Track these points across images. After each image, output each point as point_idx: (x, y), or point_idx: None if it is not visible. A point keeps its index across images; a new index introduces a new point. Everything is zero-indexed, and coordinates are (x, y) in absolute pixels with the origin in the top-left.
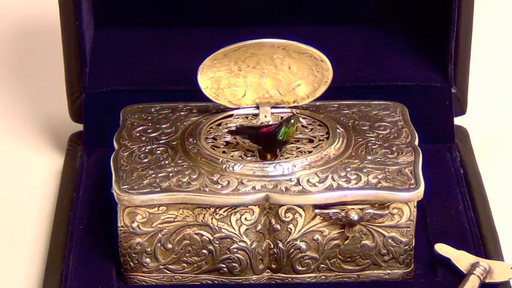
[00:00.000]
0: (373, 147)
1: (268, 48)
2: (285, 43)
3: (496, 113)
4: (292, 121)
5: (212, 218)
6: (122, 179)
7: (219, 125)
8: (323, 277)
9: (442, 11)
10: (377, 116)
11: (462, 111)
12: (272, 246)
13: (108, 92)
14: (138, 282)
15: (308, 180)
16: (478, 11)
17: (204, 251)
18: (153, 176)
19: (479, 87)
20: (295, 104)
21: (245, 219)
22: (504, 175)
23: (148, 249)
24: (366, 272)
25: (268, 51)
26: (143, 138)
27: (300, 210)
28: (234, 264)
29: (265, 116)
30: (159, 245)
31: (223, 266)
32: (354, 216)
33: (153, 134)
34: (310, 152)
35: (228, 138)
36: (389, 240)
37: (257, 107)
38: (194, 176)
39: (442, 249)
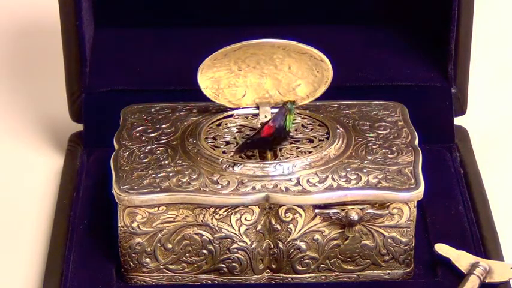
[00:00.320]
0: (373, 147)
1: (268, 48)
2: (285, 43)
3: (496, 113)
4: (289, 106)
5: (212, 218)
6: (122, 179)
7: (219, 125)
8: (323, 277)
9: (442, 11)
10: (377, 116)
11: (462, 111)
12: (272, 246)
13: (108, 92)
14: (138, 282)
15: (308, 180)
16: (478, 11)
17: (204, 251)
18: (153, 176)
19: (479, 87)
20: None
21: (245, 219)
22: (504, 175)
23: (148, 249)
24: (366, 272)
25: (268, 51)
26: (143, 138)
27: (300, 210)
28: (234, 264)
29: (265, 116)
30: (159, 245)
31: (223, 266)
32: (354, 216)
33: (153, 134)
34: (310, 152)
35: (228, 138)
36: (389, 240)
37: (257, 107)
38: (194, 176)
39: (442, 249)
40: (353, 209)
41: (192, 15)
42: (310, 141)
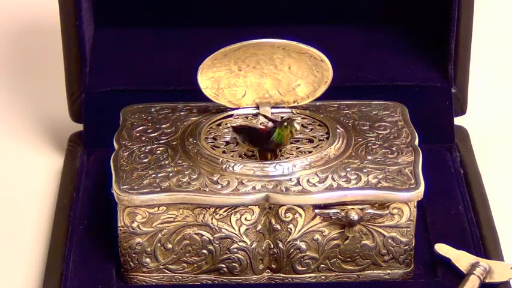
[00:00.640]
0: (373, 147)
1: (268, 48)
2: (285, 43)
3: (496, 113)
4: (286, 124)
5: (212, 218)
6: (122, 179)
7: (219, 125)
8: (323, 277)
9: (442, 11)
10: (377, 116)
11: (462, 111)
12: (272, 246)
13: (108, 92)
14: (138, 282)
15: (308, 180)
16: (478, 11)
17: (204, 251)
18: (153, 176)
19: (479, 87)
20: (295, 104)
21: (245, 219)
22: (504, 175)
23: (148, 249)
24: (366, 272)
25: (268, 51)
26: (143, 138)
27: (300, 210)
28: (234, 264)
29: (266, 116)
30: (159, 245)
31: (223, 266)
32: (354, 216)
33: (153, 134)
34: (310, 152)
35: (228, 138)
36: (389, 240)
37: (257, 107)
38: (194, 176)
39: (442, 249)
40: (353, 209)
41: (192, 15)
42: (310, 141)
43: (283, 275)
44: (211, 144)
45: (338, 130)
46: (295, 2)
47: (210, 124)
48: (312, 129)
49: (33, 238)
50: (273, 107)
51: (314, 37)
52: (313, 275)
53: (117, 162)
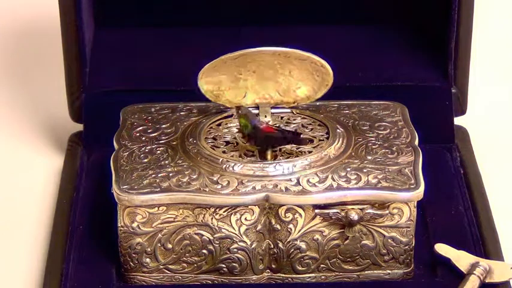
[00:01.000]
0: (373, 147)
1: (269, 56)
2: (286, 51)
3: (496, 113)
4: (240, 112)
5: (212, 218)
6: (122, 179)
7: (219, 125)
8: (323, 277)
9: (442, 11)
10: (377, 116)
11: (462, 111)
12: (272, 246)
13: (108, 92)
14: (138, 282)
15: (308, 180)
16: (478, 11)
17: (204, 251)
18: (153, 176)
19: (479, 87)
20: (295, 104)
21: (245, 219)
22: (504, 175)
23: (148, 249)
24: (366, 272)
25: (269, 58)
26: (143, 138)
27: (300, 210)
28: (234, 264)
29: (265, 116)
30: (159, 245)
31: (223, 266)
32: (354, 216)
33: (153, 134)
34: (310, 152)
35: (228, 138)
36: (390, 240)
37: (257, 107)
38: (194, 176)
39: (442, 249)
40: (353, 209)
41: (192, 15)
42: (310, 141)
43: (283, 275)
44: (211, 144)
45: (338, 130)
46: (295, 2)
47: (210, 124)
48: (312, 129)
49: (33, 238)
50: (272, 107)
51: (314, 37)
52: (313, 275)
53: (117, 162)
